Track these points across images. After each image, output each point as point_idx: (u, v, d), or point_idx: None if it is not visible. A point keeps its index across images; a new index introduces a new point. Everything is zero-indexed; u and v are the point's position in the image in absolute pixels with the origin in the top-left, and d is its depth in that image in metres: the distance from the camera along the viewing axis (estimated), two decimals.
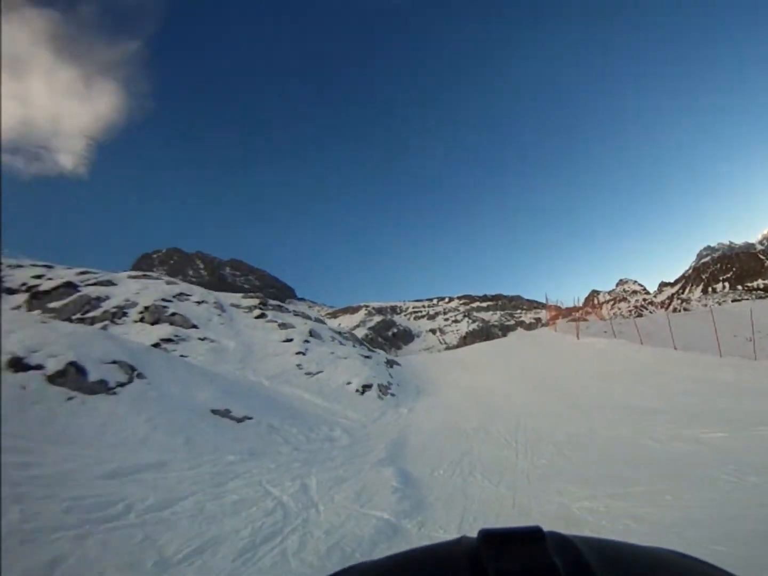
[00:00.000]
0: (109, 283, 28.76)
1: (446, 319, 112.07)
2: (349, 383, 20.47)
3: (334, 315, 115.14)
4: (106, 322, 23.34)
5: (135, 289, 27.35)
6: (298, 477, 8.50)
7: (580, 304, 56.27)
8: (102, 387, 11.49)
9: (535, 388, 20.44)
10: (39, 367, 11.37)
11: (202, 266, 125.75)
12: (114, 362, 12.47)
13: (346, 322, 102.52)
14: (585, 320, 44.01)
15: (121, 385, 11.86)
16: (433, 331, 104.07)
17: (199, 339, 22.06)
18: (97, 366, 12.02)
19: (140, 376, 12.50)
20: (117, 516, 5.92)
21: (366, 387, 20.32)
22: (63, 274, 29.13)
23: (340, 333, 31.84)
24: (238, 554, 5.25)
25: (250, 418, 12.50)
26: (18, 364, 11.27)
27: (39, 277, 29.19)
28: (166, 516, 6.16)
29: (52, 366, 11.48)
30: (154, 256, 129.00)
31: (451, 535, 6.05)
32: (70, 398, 10.84)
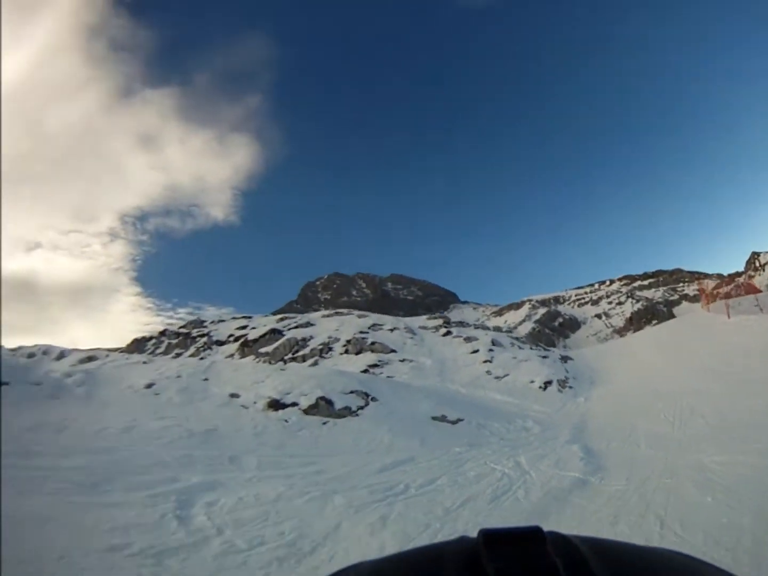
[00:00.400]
0: (308, 324, 34.00)
1: (609, 303, 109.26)
2: (532, 382, 23.80)
3: (499, 313, 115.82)
4: (316, 358, 28.33)
5: (334, 327, 32.31)
6: (510, 457, 11.87)
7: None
8: (347, 411, 15.69)
9: (689, 370, 22.67)
10: (294, 404, 15.82)
11: (364, 285, 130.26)
12: (352, 392, 16.73)
13: (511, 318, 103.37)
14: (739, 295, 41.85)
15: (361, 408, 16.02)
16: (598, 316, 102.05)
17: (400, 361, 26.38)
18: (340, 396, 16.31)
19: (373, 399, 16.66)
20: (403, 491, 9.41)
21: (547, 383, 23.48)
22: (264, 322, 34.81)
23: (517, 338, 35.37)
24: (489, 501, 8.71)
25: (461, 420, 16.18)
26: (277, 404, 15.83)
27: (243, 327, 35.00)
28: (433, 488, 9.66)
29: (305, 402, 15.90)
30: (317, 283, 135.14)
31: (620, 484, 9.23)
32: (324, 423, 15.07)
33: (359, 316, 36.40)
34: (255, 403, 16.31)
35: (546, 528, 0.77)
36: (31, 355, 39.57)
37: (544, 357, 29.01)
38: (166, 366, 22.00)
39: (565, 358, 30.61)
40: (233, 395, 17.28)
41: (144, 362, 24.66)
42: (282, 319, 35.30)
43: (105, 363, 25.24)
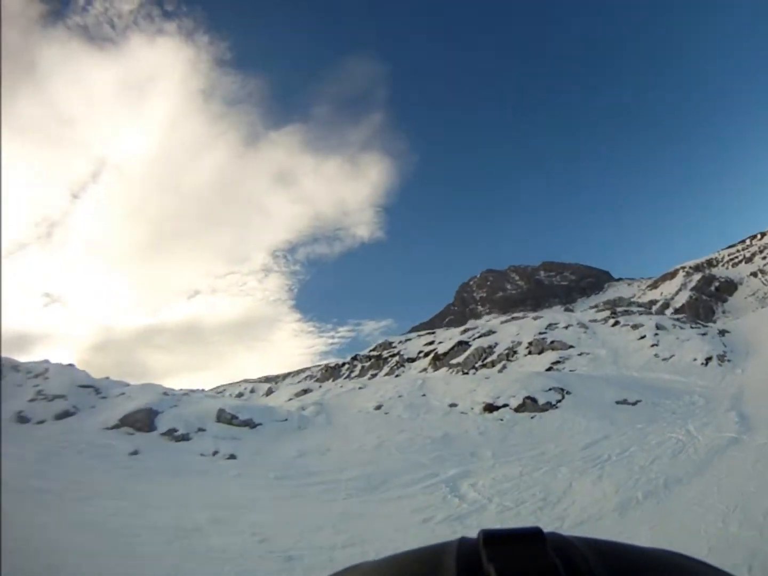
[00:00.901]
0: (490, 332, 38.80)
1: (764, 258, 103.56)
2: (694, 359, 27.13)
3: (653, 285, 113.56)
4: (503, 362, 33.06)
5: (514, 331, 36.93)
6: (682, 426, 15.92)
7: None
8: (549, 405, 20.29)
9: None
10: (505, 405, 20.65)
11: (517, 278, 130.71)
12: (550, 389, 21.27)
13: (666, 289, 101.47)
14: None
15: (559, 401, 20.55)
16: (753, 275, 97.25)
17: (578, 355, 30.58)
18: (541, 393, 20.95)
19: (567, 392, 21.13)
20: (607, 459, 13.76)
21: (708, 359, 26.72)
22: (449, 335, 39.96)
23: (678, 319, 38.36)
24: (669, 458, 13.00)
25: (639, 401, 20.25)
26: (491, 407, 20.71)
27: (431, 342, 40.25)
28: (627, 455, 13.91)
29: (514, 402, 20.71)
30: (471, 283, 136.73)
31: (764, 439, 13.15)
32: (532, 417, 19.78)
33: (534, 318, 40.68)
34: (472, 408, 21.32)
35: (546, 529, 0.80)
36: (239, 395, 47.04)
37: (703, 334, 31.99)
38: (384, 388, 27.50)
39: (722, 332, 33.34)
40: (452, 405, 22.41)
41: (360, 387, 30.40)
42: (465, 331, 40.40)
43: (324, 393, 31.23)
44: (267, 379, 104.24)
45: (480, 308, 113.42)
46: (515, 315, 47.50)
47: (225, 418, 24.01)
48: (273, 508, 12.17)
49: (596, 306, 65.62)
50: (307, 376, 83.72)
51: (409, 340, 45.87)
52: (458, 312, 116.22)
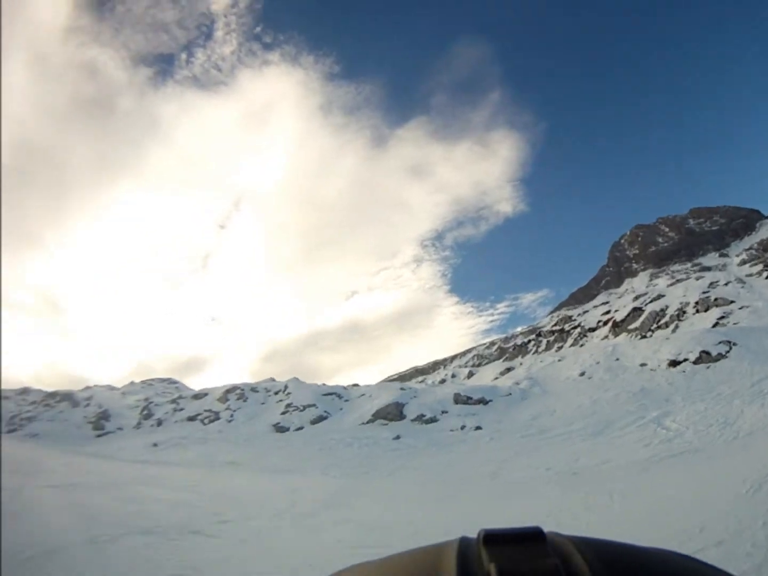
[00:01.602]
0: (659, 296, 43.98)
1: None
2: None
3: None
4: (675, 323, 38.42)
5: (680, 293, 42.10)
6: None
7: None
8: (720, 356, 26.22)
9: None
10: (685, 360, 26.67)
11: (667, 229, 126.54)
12: (719, 342, 27.08)
13: None
14: None
15: (728, 352, 26.29)
16: None
17: (739, 309, 35.47)
18: (713, 347, 26.82)
19: (734, 344, 26.76)
20: None
21: None
22: (623, 303, 45.48)
23: None
24: None
25: None
26: (674, 363, 26.79)
27: (607, 312, 45.97)
28: None
29: (691, 357, 26.71)
30: (622, 241, 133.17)
31: None
32: (707, 367, 25.72)
33: (696, 279, 45.39)
34: (659, 365, 27.58)
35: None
36: (442, 381, 54.69)
37: None
38: (581, 357, 34.18)
39: None
40: (642, 364, 28.73)
41: (559, 360, 37.23)
42: (637, 298, 45.81)
43: (528, 368, 38.33)
44: (435, 364, 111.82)
45: (635, 266, 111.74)
46: (674, 269, 51.88)
47: (461, 399, 31.74)
48: (533, 455, 19.31)
49: (750, 248, 70.84)
50: (474, 355, 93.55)
51: (587, 311, 51.70)
52: (613, 273, 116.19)
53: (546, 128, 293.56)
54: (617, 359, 30.67)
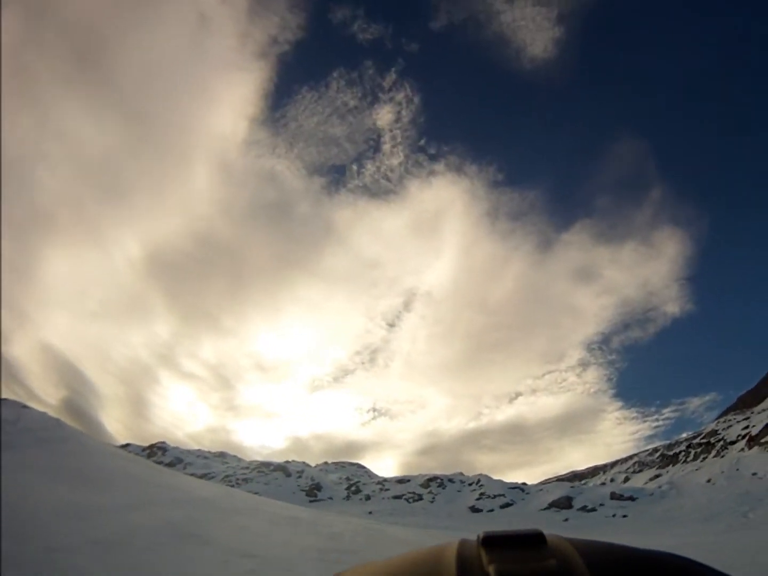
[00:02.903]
0: None
1: None
2: None
3: None
4: None
5: None
6: None
7: None
8: None
9: None
10: None
11: None
12: None
13: None
14: None
15: None
16: None
17: None
18: None
19: None
20: None
21: None
22: (761, 418, 53.13)
23: None
24: None
25: None
26: None
27: (746, 427, 53.71)
28: None
29: None
30: None
31: None
32: None
33: None
34: (765, 475, 36.32)
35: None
36: (602, 483, 63.54)
37: None
38: (713, 467, 43.21)
39: None
40: (753, 473, 37.59)
41: (696, 469, 46.29)
42: None
43: (671, 476, 47.73)
44: (595, 469, 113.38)
45: None
46: None
47: (616, 496, 42.18)
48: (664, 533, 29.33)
49: None
50: (635, 462, 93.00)
51: (731, 426, 59.25)
52: None
53: (710, 221, 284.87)
54: (737, 469, 39.55)
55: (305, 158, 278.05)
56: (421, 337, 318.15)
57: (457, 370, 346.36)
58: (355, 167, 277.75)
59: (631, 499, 41.53)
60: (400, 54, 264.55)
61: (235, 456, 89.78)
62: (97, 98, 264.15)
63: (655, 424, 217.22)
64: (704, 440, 59.99)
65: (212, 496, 20.19)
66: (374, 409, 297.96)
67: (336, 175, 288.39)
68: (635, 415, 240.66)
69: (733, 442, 53.53)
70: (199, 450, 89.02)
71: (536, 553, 0.73)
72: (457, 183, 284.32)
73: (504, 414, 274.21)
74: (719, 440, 56.65)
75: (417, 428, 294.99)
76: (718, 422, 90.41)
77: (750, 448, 48.85)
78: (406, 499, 53.74)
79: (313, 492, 59.15)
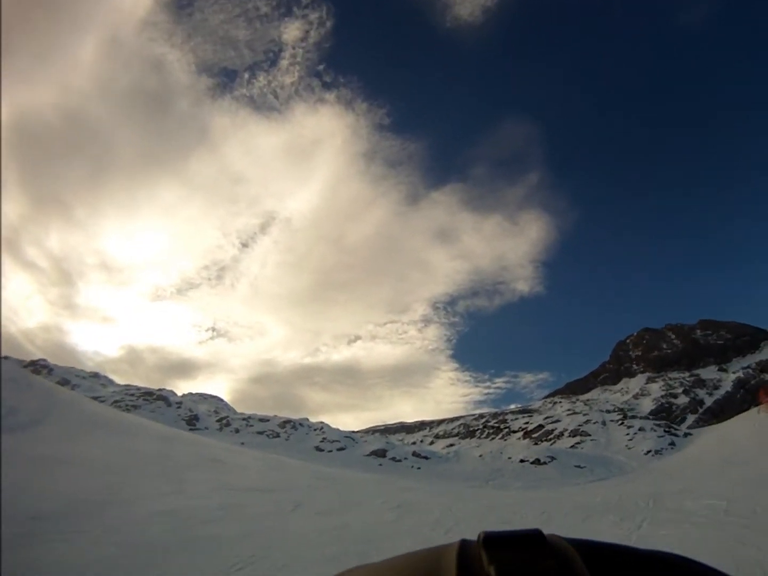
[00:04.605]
0: (557, 420, 70.55)
1: None
2: None
3: None
4: (554, 440, 64.93)
5: (570, 420, 68.75)
6: None
7: None
8: (539, 462, 52.79)
9: None
10: (526, 460, 53.56)
11: (673, 336, 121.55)
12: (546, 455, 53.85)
13: None
14: None
15: (548, 461, 52.87)
16: None
17: (592, 440, 61.76)
18: (543, 456, 53.57)
19: (554, 458, 53.44)
20: None
21: None
22: (539, 419, 72.05)
23: None
24: None
25: None
26: (523, 460, 53.61)
27: (527, 422, 72.39)
28: None
29: (530, 459, 53.60)
30: (627, 341, 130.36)
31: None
32: (535, 464, 52.50)
33: (572, 412, 72.09)
34: (510, 458, 54.17)
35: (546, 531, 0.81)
36: (413, 443, 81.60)
37: None
38: (491, 447, 61.46)
39: None
40: (508, 457, 55.37)
41: (477, 446, 64.41)
42: (546, 418, 73.38)
43: (461, 447, 65.79)
44: (422, 424, 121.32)
45: (635, 367, 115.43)
46: (671, 376, 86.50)
47: (416, 454, 58.99)
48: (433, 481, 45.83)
49: (749, 366, 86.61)
50: (461, 424, 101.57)
51: (516, 419, 78.27)
52: (613, 370, 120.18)
53: (577, 216, 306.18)
54: (501, 452, 57.46)
55: (199, 54, 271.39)
56: (271, 263, 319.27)
57: (301, 302, 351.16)
58: (246, 75, 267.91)
59: (426, 458, 58.61)
60: None
61: (106, 377, 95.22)
62: None
63: (487, 390, 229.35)
64: (497, 425, 78.60)
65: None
66: (213, 329, 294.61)
67: (225, 80, 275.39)
68: (468, 378, 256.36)
69: (514, 431, 72.23)
70: (73, 368, 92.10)
71: (536, 553, 0.75)
72: (343, 117, 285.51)
73: (340, 355, 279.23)
74: (507, 428, 75.31)
75: (253, 355, 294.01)
76: (545, 401, 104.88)
77: (524, 438, 67.19)
78: (267, 435, 68.45)
79: (192, 422, 71.66)
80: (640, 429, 63.58)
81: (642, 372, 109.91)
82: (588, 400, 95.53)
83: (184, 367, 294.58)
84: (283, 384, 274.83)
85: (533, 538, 0.77)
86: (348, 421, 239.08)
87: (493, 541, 0.77)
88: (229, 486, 20.03)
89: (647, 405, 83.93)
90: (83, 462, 20.27)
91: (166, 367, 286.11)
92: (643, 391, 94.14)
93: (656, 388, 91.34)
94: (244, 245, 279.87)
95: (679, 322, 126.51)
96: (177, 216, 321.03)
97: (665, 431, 62.44)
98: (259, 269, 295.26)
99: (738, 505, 16.03)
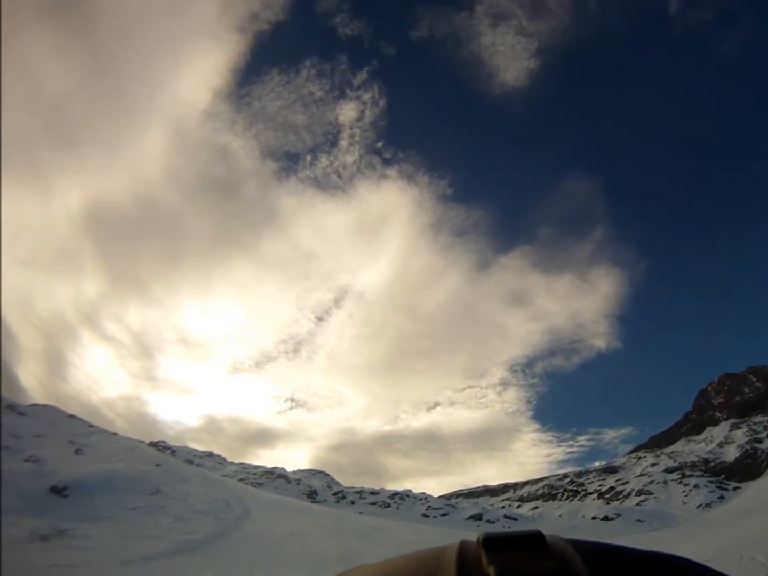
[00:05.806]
0: (625, 481, 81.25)
1: None
2: None
3: None
4: (623, 499, 75.62)
5: (638, 471, 79.50)
6: None
7: None
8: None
9: None
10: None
11: (755, 379, 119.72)
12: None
13: None
14: None
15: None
16: None
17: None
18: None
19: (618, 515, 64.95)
20: None
21: None
22: (611, 481, 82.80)
23: None
24: None
25: None
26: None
27: (600, 484, 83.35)
28: None
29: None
30: (709, 389, 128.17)
31: None
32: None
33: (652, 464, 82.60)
34: (569, 522, 65.80)
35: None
36: (502, 507, 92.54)
37: None
38: (568, 509, 72.93)
39: None
40: (559, 515, 67.00)
41: (558, 508, 75.80)
42: (618, 479, 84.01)
43: (542, 509, 77.29)
44: (506, 486, 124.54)
45: (718, 414, 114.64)
46: (756, 420, 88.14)
47: (507, 515, 70.91)
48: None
49: None
50: (545, 485, 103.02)
51: (591, 482, 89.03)
52: (696, 420, 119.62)
53: (647, 266, 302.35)
54: (577, 512, 69.01)
55: (261, 140, 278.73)
56: (347, 335, 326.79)
57: (379, 372, 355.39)
58: (309, 158, 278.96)
59: (515, 519, 70.21)
60: (375, 55, 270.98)
61: (219, 455, 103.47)
62: (66, 38, 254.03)
63: (570, 449, 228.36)
64: (575, 488, 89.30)
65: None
66: (292, 399, 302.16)
67: (289, 163, 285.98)
68: (550, 438, 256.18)
69: (590, 493, 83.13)
70: (186, 447, 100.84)
71: (536, 554, 0.75)
72: (406, 191, 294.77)
73: (420, 421, 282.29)
74: (584, 490, 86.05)
75: (332, 424, 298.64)
76: (630, 457, 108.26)
77: (597, 499, 78.39)
78: (379, 506, 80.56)
79: (312, 496, 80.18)
80: (695, 486, 73.47)
81: (725, 419, 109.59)
82: (672, 452, 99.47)
83: (264, 436, 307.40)
84: (363, 451, 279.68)
85: (533, 538, 0.79)
86: (431, 485, 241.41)
87: (492, 541, 0.79)
88: (410, 542, 30.25)
89: (732, 453, 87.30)
90: (312, 534, 30.41)
91: (246, 436, 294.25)
92: (727, 438, 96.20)
93: (740, 435, 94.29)
94: (320, 319, 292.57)
95: (758, 363, 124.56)
96: (252, 293, 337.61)
97: (717, 486, 71.99)
98: (336, 341, 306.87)
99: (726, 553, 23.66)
